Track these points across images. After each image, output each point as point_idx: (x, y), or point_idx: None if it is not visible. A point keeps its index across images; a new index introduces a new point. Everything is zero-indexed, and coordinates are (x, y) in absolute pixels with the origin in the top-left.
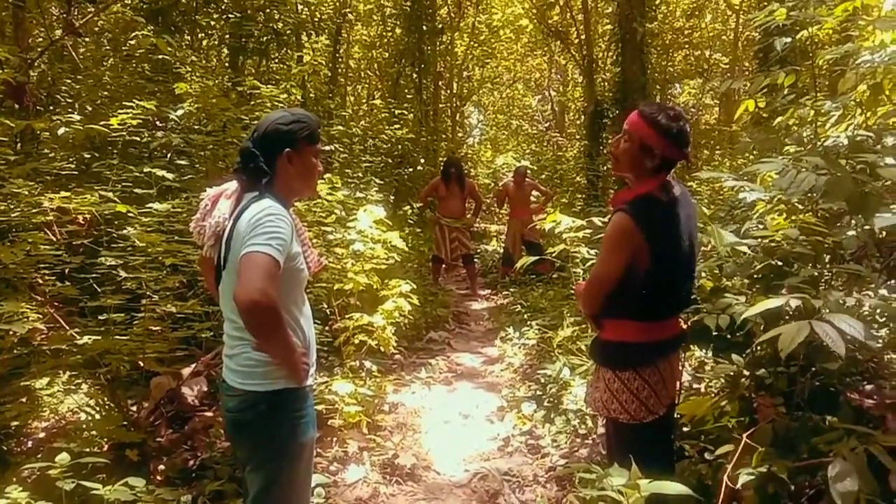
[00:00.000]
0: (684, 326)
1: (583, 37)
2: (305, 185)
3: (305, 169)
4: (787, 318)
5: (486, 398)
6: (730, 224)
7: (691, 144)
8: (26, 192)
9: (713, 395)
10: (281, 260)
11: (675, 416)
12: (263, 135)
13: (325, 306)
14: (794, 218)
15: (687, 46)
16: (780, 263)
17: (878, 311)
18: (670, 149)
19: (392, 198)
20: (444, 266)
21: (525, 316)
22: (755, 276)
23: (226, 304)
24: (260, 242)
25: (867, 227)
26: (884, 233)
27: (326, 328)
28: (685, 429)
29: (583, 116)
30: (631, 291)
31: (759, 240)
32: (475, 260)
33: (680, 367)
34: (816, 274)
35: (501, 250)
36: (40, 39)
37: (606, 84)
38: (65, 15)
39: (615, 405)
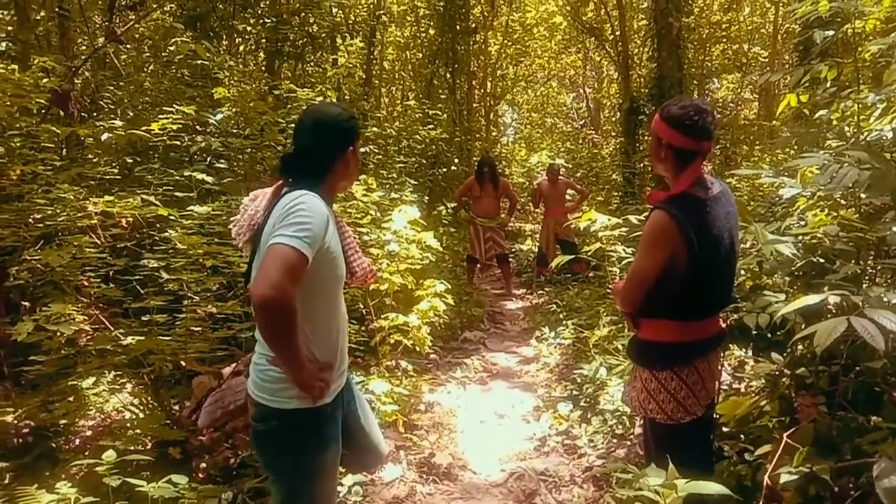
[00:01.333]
0: (724, 325)
1: (618, 33)
2: (350, 180)
3: (356, 163)
4: (828, 315)
5: (521, 398)
6: (771, 221)
7: (705, 134)
8: (72, 197)
9: (753, 394)
10: (309, 255)
11: (715, 416)
12: (327, 132)
13: (361, 306)
14: (834, 214)
15: (725, 40)
16: (821, 260)
17: None
18: (674, 135)
19: (426, 198)
20: (478, 266)
21: (560, 315)
22: (796, 273)
23: None
24: (288, 234)
25: None
26: None
27: (362, 328)
28: (725, 429)
29: (618, 113)
30: (669, 290)
31: (800, 237)
32: (510, 259)
33: (719, 367)
34: (859, 271)
35: (536, 249)
36: (84, 48)
37: (642, 80)
38: (107, 23)
39: (652, 405)
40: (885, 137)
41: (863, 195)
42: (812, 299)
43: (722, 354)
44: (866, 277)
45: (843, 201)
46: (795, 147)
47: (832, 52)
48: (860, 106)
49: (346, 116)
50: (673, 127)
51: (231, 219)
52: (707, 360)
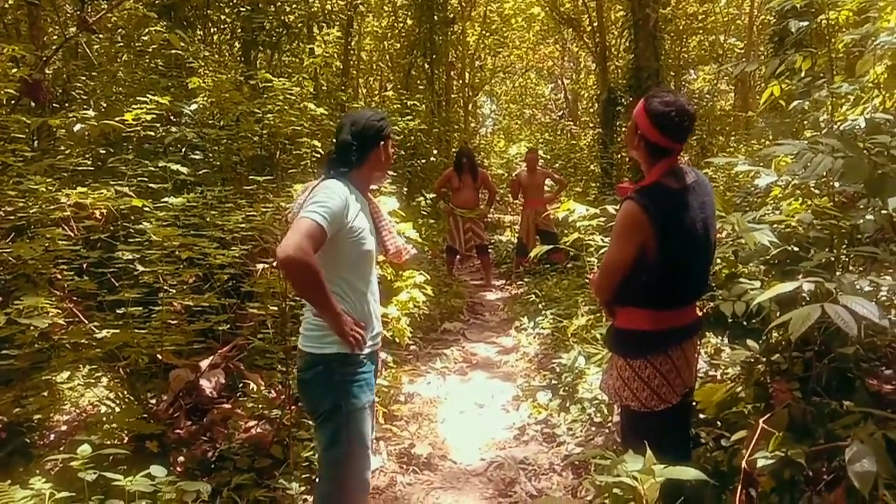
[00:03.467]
0: (700, 314)
1: (595, 24)
2: (383, 172)
3: (388, 158)
4: (802, 303)
5: (501, 387)
6: (746, 211)
7: (681, 136)
8: (44, 189)
9: (729, 381)
10: (325, 225)
11: (693, 402)
12: (363, 129)
13: None
14: (809, 202)
15: (701, 31)
16: (796, 249)
17: None
18: (650, 130)
19: (405, 189)
20: (458, 257)
21: (540, 305)
22: (771, 261)
23: None
24: (308, 210)
25: (885, 210)
26: None
27: None
28: (701, 415)
29: (596, 104)
30: (641, 279)
31: (775, 225)
32: (489, 250)
33: (696, 355)
34: (833, 258)
35: (515, 240)
36: (55, 37)
37: (620, 71)
38: (78, 12)
39: (626, 392)
40: (858, 126)
41: (836, 183)
42: (787, 287)
43: (698, 342)
44: (839, 265)
45: (816, 190)
46: (771, 137)
47: (806, 43)
48: (834, 96)
49: (377, 117)
50: (651, 122)
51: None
52: (682, 348)
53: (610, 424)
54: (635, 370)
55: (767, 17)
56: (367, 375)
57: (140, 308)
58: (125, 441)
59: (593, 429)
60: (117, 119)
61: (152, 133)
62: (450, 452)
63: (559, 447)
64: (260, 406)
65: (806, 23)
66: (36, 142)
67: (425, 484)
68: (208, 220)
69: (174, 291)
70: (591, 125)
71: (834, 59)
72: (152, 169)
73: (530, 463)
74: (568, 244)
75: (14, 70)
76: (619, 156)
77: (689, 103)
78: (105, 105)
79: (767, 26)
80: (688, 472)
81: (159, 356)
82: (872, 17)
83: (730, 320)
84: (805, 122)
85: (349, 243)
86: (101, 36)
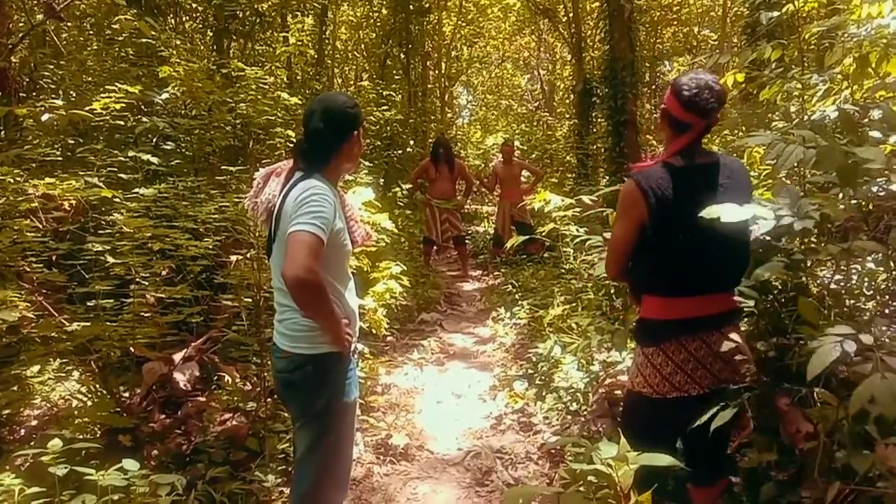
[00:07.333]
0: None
1: (571, 14)
2: (353, 163)
3: (360, 148)
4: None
5: (478, 377)
6: None
7: (700, 110)
8: (11, 180)
9: None
10: (324, 237)
11: None
12: (336, 118)
13: None
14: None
15: (675, 23)
16: (768, 238)
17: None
18: (672, 103)
19: (382, 180)
20: (435, 248)
21: (516, 296)
22: None
23: (276, 275)
24: (304, 221)
25: (854, 199)
26: (871, 204)
27: None
28: None
29: (572, 95)
30: (645, 261)
31: None
32: (466, 241)
33: (733, 350)
34: (804, 248)
35: (492, 231)
36: (21, 24)
37: (595, 62)
38: None
39: (639, 379)
40: (827, 117)
41: (808, 173)
42: (832, 352)
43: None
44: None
45: (787, 181)
46: (743, 128)
47: (778, 35)
48: (804, 86)
49: (351, 104)
50: (672, 93)
51: (246, 195)
52: (703, 339)
53: (585, 413)
54: (648, 357)
55: (741, 8)
56: (354, 373)
57: (111, 300)
58: (98, 435)
59: (569, 417)
60: (86, 108)
61: (122, 123)
62: (427, 442)
63: (535, 436)
64: (235, 398)
65: (776, 14)
66: (2, 131)
67: (402, 474)
68: (180, 210)
69: (146, 283)
70: (567, 116)
71: (804, 49)
72: (123, 159)
73: (507, 452)
74: (544, 235)
75: None
76: (595, 147)
77: (714, 81)
78: (74, 94)
79: (741, 18)
80: (662, 459)
81: (132, 349)
82: (841, 8)
83: None
84: (775, 114)
85: (333, 246)
86: (69, 24)
